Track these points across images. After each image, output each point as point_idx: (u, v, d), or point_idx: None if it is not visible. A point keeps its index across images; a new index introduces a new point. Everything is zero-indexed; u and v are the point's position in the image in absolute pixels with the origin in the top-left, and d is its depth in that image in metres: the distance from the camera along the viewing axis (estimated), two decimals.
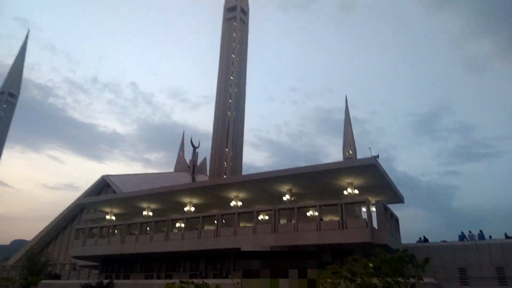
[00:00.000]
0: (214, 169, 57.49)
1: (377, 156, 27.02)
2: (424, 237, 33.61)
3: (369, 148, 35.76)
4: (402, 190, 33.02)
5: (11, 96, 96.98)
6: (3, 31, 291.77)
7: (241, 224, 31.95)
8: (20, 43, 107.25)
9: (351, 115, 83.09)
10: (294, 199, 32.51)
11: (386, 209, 27.19)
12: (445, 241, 31.71)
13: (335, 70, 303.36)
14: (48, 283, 36.68)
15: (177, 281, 20.28)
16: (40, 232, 71.61)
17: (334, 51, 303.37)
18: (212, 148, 59.77)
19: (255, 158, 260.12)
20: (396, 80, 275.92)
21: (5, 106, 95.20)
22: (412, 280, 16.42)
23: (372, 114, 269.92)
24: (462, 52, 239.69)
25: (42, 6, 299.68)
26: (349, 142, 75.87)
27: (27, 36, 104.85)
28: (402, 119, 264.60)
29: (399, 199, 32.93)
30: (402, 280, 16.30)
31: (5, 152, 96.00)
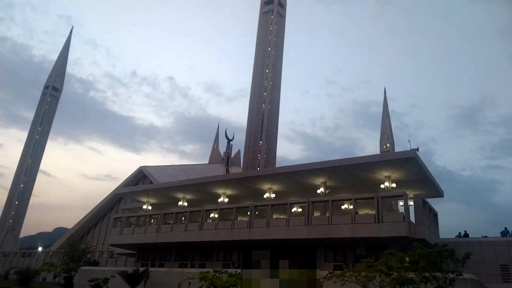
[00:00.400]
0: (248, 161, 57.59)
1: (417, 149, 26.09)
2: (465, 231, 32.30)
3: (409, 141, 34.77)
4: (441, 185, 31.79)
5: (55, 90, 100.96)
6: (48, 28, 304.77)
7: (274, 216, 31.85)
8: (63, 39, 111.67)
9: (389, 108, 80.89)
10: (328, 192, 32.03)
11: (425, 203, 26.28)
12: (486, 237, 30.33)
13: (373, 62, 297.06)
14: (87, 269, 38.11)
15: (210, 270, 20.43)
16: (80, 221, 74.59)
17: (372, 43, 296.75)
18: (246, 141, 59.87)
19: (289, 151, 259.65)
20: (438, 72, 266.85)
21: (49, 99, 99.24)
22: (451, 275, 15.77)
23: (411, 107, 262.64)
24: (507, 44, 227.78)
25: (85, 3, 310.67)
26: (386, 135, 73.85)
27: (71, 32, 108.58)
28: (443, 112, 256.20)
29: (438, 193, 31.72)
30: (441, 275, 15.68)
31: (48, 143, 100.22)
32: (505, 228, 31.52)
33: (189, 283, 23.02)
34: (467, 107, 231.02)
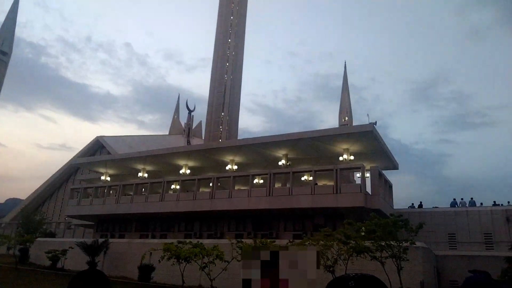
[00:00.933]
0: (210, 132, 57.26)
1: (375, 123, 26.99)
2: (420, 202, 34.22)
3: (367, 115, 35.75)
4: (396, 158, 33.24)
5: (3, 54, 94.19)
6: None
7: (236, 187, 32.20)
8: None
9: (349, 82, 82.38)
10: (289, 164, 32.64)
11: (381, 175, 27.44)
12: (436, 207, 32.31)
13: (336, 35, 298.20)
14: (44, 240, 37.21)
15: (174, 241, 20.51)
16: (34, 191, 71.89)
17: (336, 16, 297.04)
18: (208, 112, 59.28)
19: (251, 123, 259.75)
20: (397, 47, 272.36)
21: None
22: (404, 244, 16.75)
23: (370, 81, 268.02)
24: (463, 21, 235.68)
25: None
26: (345, 109, 75.44)
27: None
28: (400, 86, 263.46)
29: (394, 166, 33.18)
30: (395, 244, 16.61)
31: None
32: (454, 199, 33.68)
33: (150, 253, 23.04)
34: (422, 82, 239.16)
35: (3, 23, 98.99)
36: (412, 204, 34.53)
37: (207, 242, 23.63)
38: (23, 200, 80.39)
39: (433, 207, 32.60)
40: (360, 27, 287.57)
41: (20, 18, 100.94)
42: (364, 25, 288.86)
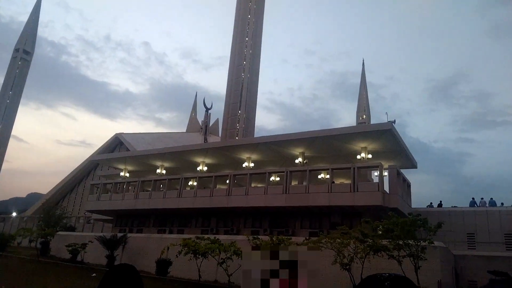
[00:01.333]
0: (227, 130, 57.57)
1: (394, 122, 26.74)
2: (440, 202, 33.70)
3: (386, 113, 35.49)
4: (414, 156, 32.87)
5: (26, 54, 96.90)
6: None
7: (253, 185, 32.35)
8: (33, 0, 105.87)
9: (367, 80, 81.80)
10: (306, 162, 32.61)
11: (399, 174, 27.18)
12: (455, 207, 31.83)
13: (353, 33, 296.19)
14: (64, 234, 38.10)
15: (192, 236, 20.81)
16: (55, 186, 73.57)
17: (352, 15, 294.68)
18: (225, 110, 59.60)
19: (267, 120, 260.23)
20: (416, 46, 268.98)
21: (20, 63, 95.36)
22: (423, 243, 16.61)
23: (389, 79, 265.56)
24: (484, 18, 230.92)
25: None
26: (363, 107, 74.96)
27: None
28: (419, 85, 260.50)
29: (412, 165, 32.81)
30: (413, 243, 16.48)
31: (20, 108, 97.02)
32: (473, 198, 33.10)
33: (168, 248, 23.40)
34: (442, 81, 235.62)
35: (26, 23, 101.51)
36: (431, 203, 34.06)
37: (223, 238, 23.86)
38: (44, 194, 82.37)
39: (452, 207, 32.10)
40: (377, 25, 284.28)
41: (42, 18, 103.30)
42: (381, 23, 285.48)
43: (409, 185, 30.62)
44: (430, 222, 17.70)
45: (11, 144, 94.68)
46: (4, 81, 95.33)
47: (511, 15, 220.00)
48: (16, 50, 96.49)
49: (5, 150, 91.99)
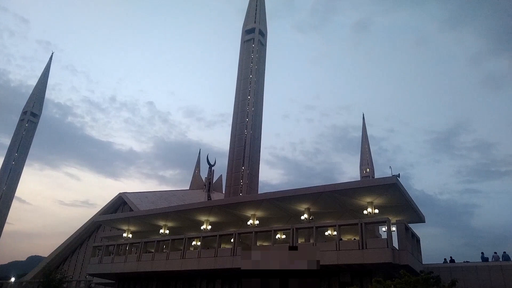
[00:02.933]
0: (231, 187, 57.31)
1: (398, 175, 26.57)
2: (450, 258, 32.68)
3: (390, 167, 35.44)
4: (420, 209, 32.33)
5: (33, 116, 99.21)
6: (26, 53, 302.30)
7: (258, 243, 31.60)
8: (42, 65, 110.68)
9: (368, 133, 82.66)
10: (312, 218, 32.07)
11: (407, 229, 26.58)
12: (467, 262, 30.77)
13: (351, 88, 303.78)
14: None
15: None
16: (56, 249, 72.05)
17: (350, 70, 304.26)
18: (228, 166, 59.75)
19: (270, 175, 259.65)
20: (413, 98, 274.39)
21: (27, 125, 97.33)
22: None
23: (389, 132, 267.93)
24: (480, 69, 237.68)
25: (64, 28, 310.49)
26: (366, 160, 75.08)
27: (51, 58, 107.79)
28: (420, 137, 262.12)
29: (419, 219, 32.18)
30: None
31: (24, 169, 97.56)
32: (482, 253, 32.18)
33: None
34: (443, 132, 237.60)
35: (34, 87, 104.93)
36: (445, 259, 32.94)
37: None
38: (44, 257, 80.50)
39: (464, 262, 31.04)
40: (375, 80, 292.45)
41: (50, 81, 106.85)
42: (379, 77, 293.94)
43: (418, 240, 29.84)
44: (443, 279, 17.05)
45: (14, 205, 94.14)
46: (10, 143, 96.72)
47: (505, 66, 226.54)
48: (24, 112, 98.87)
49: (8, 212, 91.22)
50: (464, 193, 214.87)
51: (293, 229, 28.71)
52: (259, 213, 34.70)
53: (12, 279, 68.42)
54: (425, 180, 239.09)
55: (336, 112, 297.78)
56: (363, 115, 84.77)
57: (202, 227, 37.27)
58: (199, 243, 34.34)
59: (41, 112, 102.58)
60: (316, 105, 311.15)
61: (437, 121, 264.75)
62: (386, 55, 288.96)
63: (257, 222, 34.80)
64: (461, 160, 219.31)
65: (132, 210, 55.98)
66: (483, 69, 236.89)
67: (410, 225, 28.74)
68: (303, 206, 31.92)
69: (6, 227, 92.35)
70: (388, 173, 30.08)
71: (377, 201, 29.13)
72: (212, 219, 37.38)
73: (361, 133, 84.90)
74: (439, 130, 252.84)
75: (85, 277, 54.14)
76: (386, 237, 25.24)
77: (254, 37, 66.56)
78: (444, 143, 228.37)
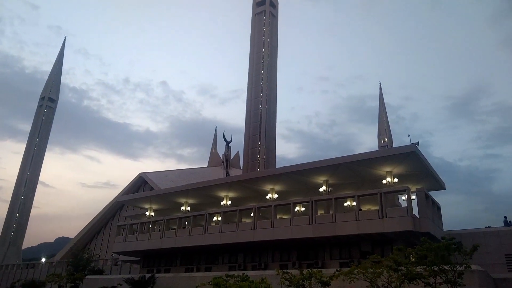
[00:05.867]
0: (248, 162, 57.68)
1: (417, 143, 26.20)
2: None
3: (409, 135, 34.82)
4: (441, 176, 31.97)
5: (51, 101, 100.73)
6: (39, 39, 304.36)
7: (278, 216, 31.93)
8: (54, 50, 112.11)
9: (385, 102, 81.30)
10: (330, 190, 32.12)
11: (428, 196, 26.43)
12: (489, 227, 30.50)
13: (365, 57, 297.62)
14: (93, 278, 38.09)
15: (221, 274, 20.53)
16: (82, 230, 74.46)
17: (364, 38, 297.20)
18: (245, 142, 59.95)
19: (286, 149, 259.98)
20: (431, 63, 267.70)
21: (45, 110, 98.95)
22: (459, 268, 15.88)
23: (406, 100, 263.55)
24: (499, 29, 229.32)
25: (75, 13, 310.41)
26: (384, 130, 74.19)
27: (64, 43, 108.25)
28: (437, 103, 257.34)
29: (440, 186, 31.87)
30: (449, 268, 15.78)
31: (45, 154, 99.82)
32: (505, 217, 31.81)
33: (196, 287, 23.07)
34: (461, 97, 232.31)
35: (50, 72, 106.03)
36: (505, 217, 32.35)
37: (252, 274, 23.40)
38: (71, 238, 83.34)
39: (486, 227, 30.79)
40: (389, 47, 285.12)
41: (64, 65, 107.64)
42: (393, 45, 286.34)
43: (439, 208, 29.68)
44: (465, 245, 16.96)
45: (39, 189, 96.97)
46: (31, 129, 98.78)
47: None
48: (42, 98, 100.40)
49: (33, 196, 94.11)
50: (485, 159, 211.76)
51: (312, 201, 28.86)
52: (277, 187, 34.92)
53: (43, 260, 71.20)
54: (444, 147, 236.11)
55: (351, 82, 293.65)
56: (380, 84, 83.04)
57: (222, 203, 37.79)
58: (220, 218, 34.90)
59: (58, 97, 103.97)
60: (330, 76, 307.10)
61: (455, 86, 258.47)
62: (400, 20, 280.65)
63: (276, 196, 35.07)
64: (480, 125, 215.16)
65: (153, 189, 57.02)
66: (503, 29, 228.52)
67: (430, 193, 28.56)
68: (321, 179, 31.94)
69: (33, 211, 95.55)
70: (406, 141, 29.75)
71: (396, 170, 28.91)
72: (231, 194, 37.82)
73: (377, 103, 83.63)
74: (457, 95, 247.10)
75: (111, 255, 55.90)
76: (406, 206, 25.20)
77: (265, 9, 65.39)
78: (462, 109, 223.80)
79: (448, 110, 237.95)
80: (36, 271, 65.22)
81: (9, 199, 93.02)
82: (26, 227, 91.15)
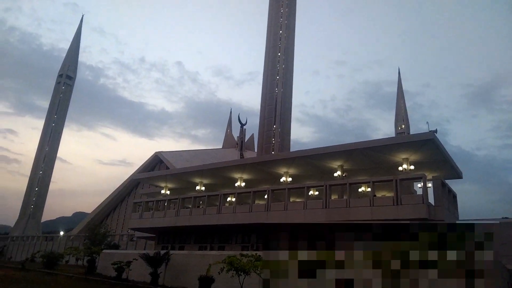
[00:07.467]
0: (263, 145, 57.83)
1: (435, 131, 25.93)
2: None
3: (427, 122, 34.44)
4: (457, 165, 31.63)
5: (69, 78, 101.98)
6: (55, 16, 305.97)
7: (291, 199, 32.13)
8: (71, 27, 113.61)
9: (403, 88, 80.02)
10: (345, 175, 32.11)
11: (444, 185, 26.23)
12: (506, 218, 30.24)
13: (383, 41, 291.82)
14: (109, 252, 39.10)
15: (236, 253, 20.90)
16: (99, 205, 76.20)
17: (382, 23, 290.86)
18: (260, 125, 59.97)
19: (301, 133, 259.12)
20: (450, 50, 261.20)
21: (63, 88, 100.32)
22: None
23: (425, 87, 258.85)
24: None
25: None
26: (401, 116, 73.27)
27: (81, 21, 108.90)
28: (457, 91, 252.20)
29: (457, 175, 31.57)
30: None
31: (63, 131, 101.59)
32: None
33: (209, 265, 23.54)
34: (481, 86, 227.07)
35: (68, 50, 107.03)
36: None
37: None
38: (88, 213, 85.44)
39: (503, 218, 30.53)
40: (409, 31, 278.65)
41: (80, 43, 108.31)
42: (413, 30, 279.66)
43: (455, 196, 29.46)
44: (481, 234, 16.89)
45: (56, 165, 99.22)
46: (49, 105, 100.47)
47: None
48: (60, 75, 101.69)
49: (52, 171, 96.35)
50: (503, 149, 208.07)
51: (326, 186, 28.91)
52: (291, 171, 35.04)
53: (61, 233, 73.36)
54: (462, 135, 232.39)
55: (368, 67, 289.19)
56: (399, 69, 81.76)
57: (236, 184, 38.15)
58: (233, 199, 35.31)
59: (75, 75, 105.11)
60: (347, 60, 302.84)
61: (475, 74, 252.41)
62: (420, 5, 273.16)
63: (289, 179, 35.23)
64: (500, 114, 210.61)
65: (168, 168, 57.78)
66: None
67: (447, 181, 28.32)
68: (336, 164, 31.91)
69: (51, 186, 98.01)
70: (423, 129, 29.44)
71: (412, 157, 28.69)
72: (245, 176, 38.13)
73: (395, 89, 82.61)
74: (477, 83, 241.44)
75: (127, 231, 57.28)
76: (421, 193, 25.09)
77: None
78: (482, 97, 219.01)
79: (467, 98, 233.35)
80: (55, 244, 67.37)
81: (29, 173, 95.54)
82: (45, 201, 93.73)
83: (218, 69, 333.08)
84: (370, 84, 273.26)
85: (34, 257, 49.68)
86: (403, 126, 71.25)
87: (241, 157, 67.28)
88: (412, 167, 28.90)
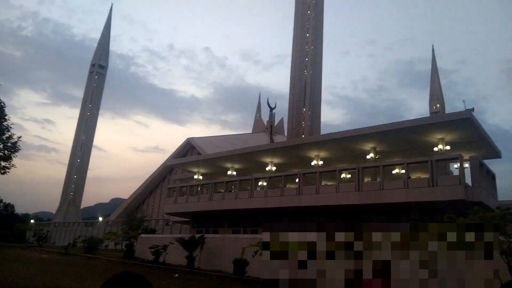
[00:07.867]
0: (292, 129, 57.59)
1: (472, 109, 25.02)
2: None
3: (463, 101, 33.33)
4: (496, 145, 30.45)
5: (101, 68, 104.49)
6: (86, 7, 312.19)
7: (323, 183, 32.00)
8: (100, 17, 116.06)
9: (437, 66, 77.24)
10: (378, 158, 31.60)
11: (482, 165, 25.40)
12: None
13: (415, 18, 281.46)
14: (146, 237, 40.41)
15: None
16: (135, 191, 78.49)
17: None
18: (289, 109, 59.64)
19: (332, 116, 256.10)
20: (486, 25, 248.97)
21: (96, 77, 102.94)
22: None
23: (460, 64, 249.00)
24: None
25: None
26: (436, 96, 70.89)
27: (111, 10, 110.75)
28: (495, 67, 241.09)
29: (496, 154, 30.42)
30: (505, 239, 15.31)
31: (98, 119, 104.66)
32: None
33: (243, 249, 23.95)
34: None
35: (99, 39, 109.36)
36: None
37: None
38: (125, 199, 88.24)
39: None
40: (442, 7, 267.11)
41: (110, 32, 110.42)
42: (447, 4, 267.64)
43: (493, 177, 28.47)
44: None
45: (93, 153, 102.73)
46: (84, 95, 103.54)
47: None
48: (92, 65, 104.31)
49: (89, 159, 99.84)
50: None
51: (359, 168, 28.56)
52: (322, 154, 34.80)
53: (100, 219, 76.30)
54: (501, 113, 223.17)
55: (400, 45, 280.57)
56: (433, 46, 78.72)
57: (267, 168, 38.33)
58: (265, 184, 35.54)
59: (107, 64, 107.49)
60: (378, 39, 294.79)
61: None
62: None
63: (321, 162, 35.03)
64: None
65: (200, 154, 58.64)
66: None
67: (485, 161, 27.40)
68: (368, 146, 31.43)
69: (89, 173, 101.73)
70: (459, 107, 28.48)
71: (448, 137, 27.85)
72: (276, 160, 38.22)
73: (428, 67, 79.69)
74: None
75: (163, 216, 58.86)
76: (458, 174, 24.41)
77: None
78: None
79: (505, 74, 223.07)
80: (94, 229, 70.20)
81: (67, 162, 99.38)
82: (84, 188, 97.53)
83: (246, 53, 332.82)
84: (403, 62, 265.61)
85: (76, 242, 52.09)
86: (438, 105, 68.98)
87: (271, 142, 67.29)
88: (448, 147, 28.07)
